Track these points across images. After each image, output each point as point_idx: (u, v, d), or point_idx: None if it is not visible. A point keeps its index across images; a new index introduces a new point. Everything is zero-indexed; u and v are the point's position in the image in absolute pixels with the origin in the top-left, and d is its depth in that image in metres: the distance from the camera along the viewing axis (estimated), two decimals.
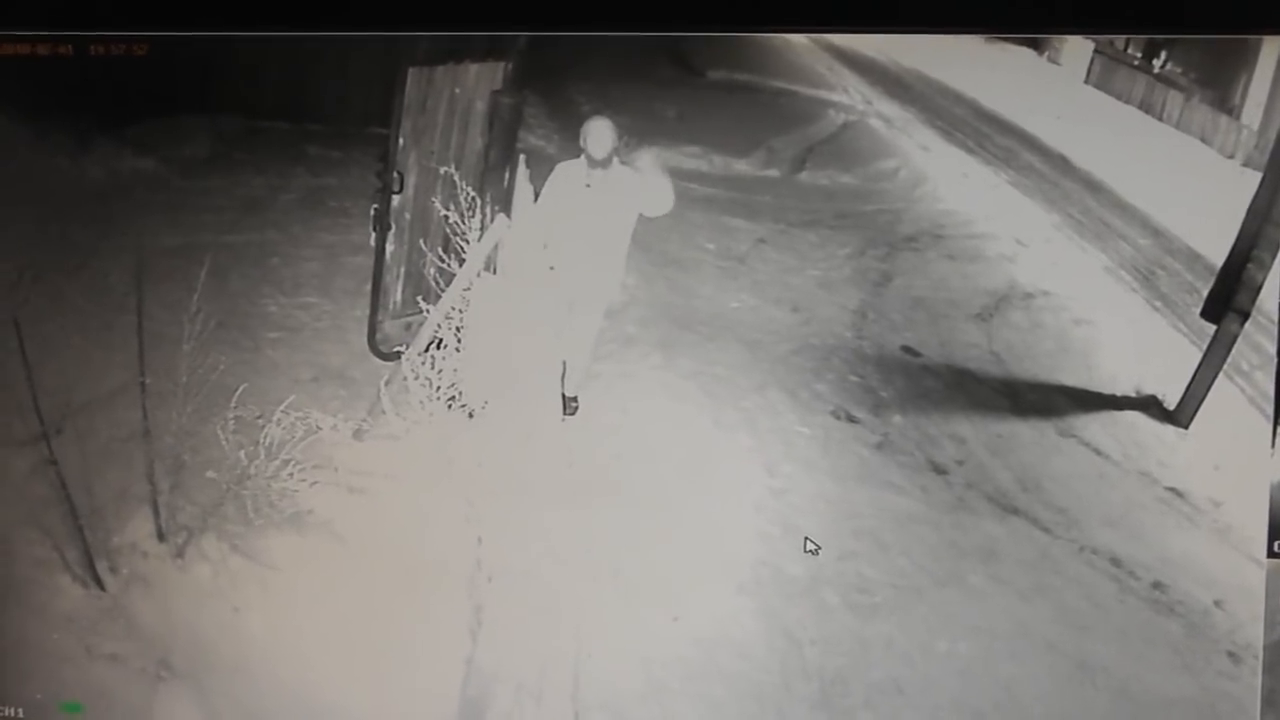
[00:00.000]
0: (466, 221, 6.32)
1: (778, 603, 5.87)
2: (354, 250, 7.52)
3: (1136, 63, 15.89)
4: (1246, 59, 9.67)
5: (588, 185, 6.62)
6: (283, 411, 5.61)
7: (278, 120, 9.52)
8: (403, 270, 6.91)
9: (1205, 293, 8.36)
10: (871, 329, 9.09)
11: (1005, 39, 17.80)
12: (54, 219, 7.97)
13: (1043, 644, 5.84)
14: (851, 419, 7.63)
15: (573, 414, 6.99)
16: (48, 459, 5.30)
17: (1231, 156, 11.62)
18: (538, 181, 6.89)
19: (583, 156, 6.61)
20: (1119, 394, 8.45)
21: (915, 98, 16.34)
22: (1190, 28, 5.88)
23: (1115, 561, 6.62)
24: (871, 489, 6.93)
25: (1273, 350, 6.21)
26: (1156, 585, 6.47)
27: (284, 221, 8.73)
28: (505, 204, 6.98)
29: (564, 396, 6.98)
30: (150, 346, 5.78)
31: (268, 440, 5.53)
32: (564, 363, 6.98)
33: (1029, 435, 7.78)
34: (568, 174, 6.69)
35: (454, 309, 6.32)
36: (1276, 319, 6.49)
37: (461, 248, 6.33)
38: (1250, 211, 7.25)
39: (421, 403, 6.32)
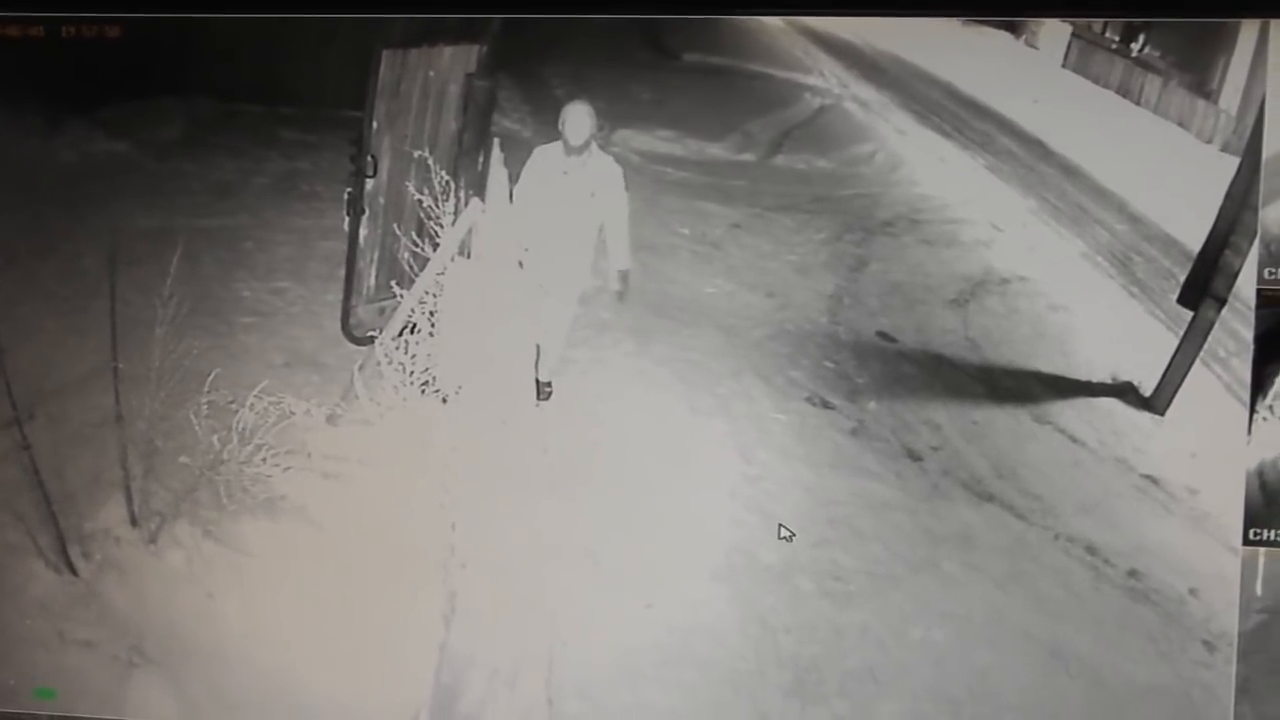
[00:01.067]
0: (440, 206, 6.32)
1: (752, 590, 5.91)
2: (327, 234, 7.52)
3: (1114, 46, 15.95)
4: (1225, 43, 9.71)
5: (565, 172, 6.64)
6: (256, 396, 5.62)
7: (251, 103, 9.51)
8: (376, 255, 6.92)
9: (1182, 279, 8.42)
10: (847, 314, 9.12)
11: (982, 22, 17.82)
12: (26, 202, 7.94)
13: (1018, 631, 5.89)
14: (826, 405, 7.67)
15: (546, 399, 7.01)
16: (20, 444, 5.30)
17: (1209, 141, 11.69)
18: (514, 165, 6.90)
19: (560, 141, 6.63)
20: (1095, 380, 8.50)
21: (891, 81, 16.37)
22: (1169, 11, 5.95)
23: (1091, 549, 6.67)
24: (846, 475, 6.97)
25: (1249, 337, 6.29)
26: (1132, 573, 6.52)
27: (257, 205, 8.71)
28: (479, 188, 6.99)
29: (538, 381, 7.01)
30: (123, 331, 5.78)
31: (241, 425, 5.54)
32: (538, 347, 7.00)
33: (1004, 422, 7.83)
34: (546, 158, 6.70)
35: (427, 293, 6.33)
36: (1253, 305, 6.56)
37: (435, 232, 6.34)
38: (1228, 197, 7.30)
39: (395, 388, 6.33)
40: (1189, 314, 7.93)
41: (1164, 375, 8.07)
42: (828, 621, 5.78)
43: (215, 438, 5.54)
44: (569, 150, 6.60)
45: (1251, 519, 5.87)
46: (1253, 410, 5.80)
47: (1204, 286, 7.86)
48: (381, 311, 6.91)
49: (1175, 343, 8.07)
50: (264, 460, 5.60)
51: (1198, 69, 12.62)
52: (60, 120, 9.40)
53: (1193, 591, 6.42)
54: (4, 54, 5.78)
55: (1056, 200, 12.48)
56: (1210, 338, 7.97)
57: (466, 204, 6.54)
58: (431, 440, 6.19)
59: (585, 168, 6.66)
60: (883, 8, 5.64)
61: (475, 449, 6.10)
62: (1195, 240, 8.45)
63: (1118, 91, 15.89)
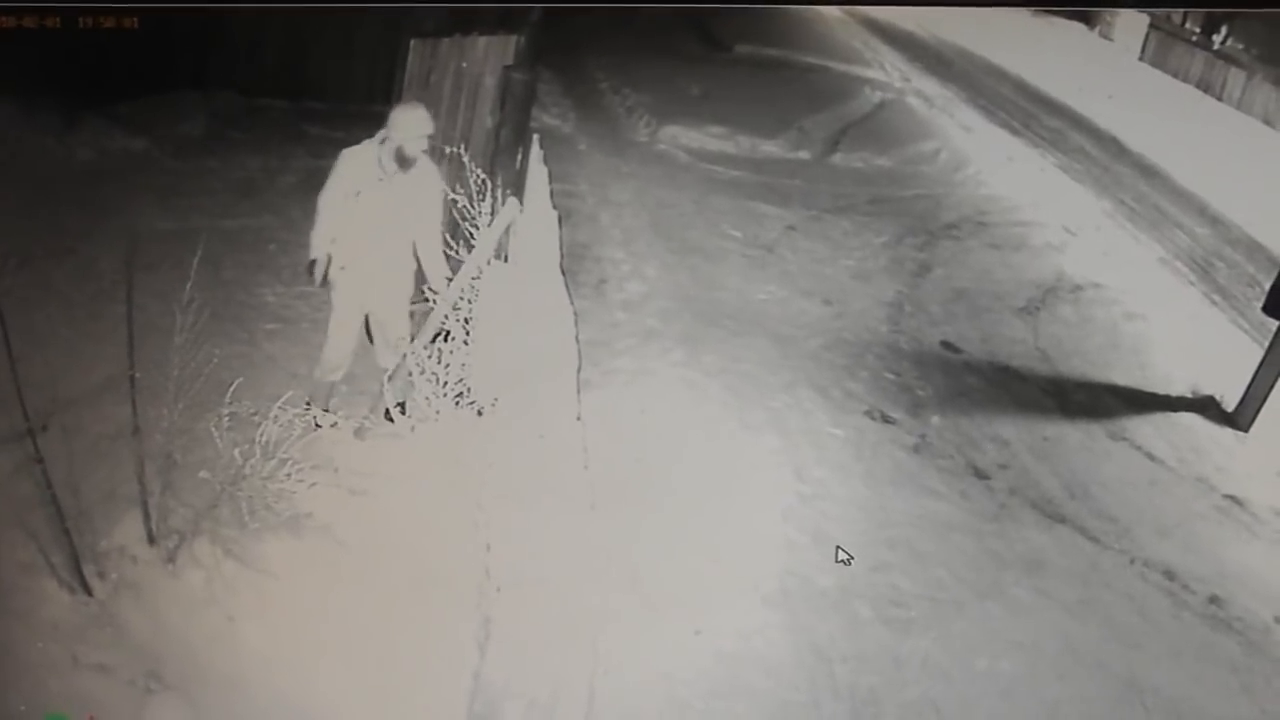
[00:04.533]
0: (476, 205, 6.30)
1: (807, 616, 5.88)
2: None
3: (1195, 38, 15.93)
4: None
5: (380, 179, 6.15)
6: (280, 408, 5.60)
7: (277, 98, 9.58)
8: None
9: (1267, 286, 8.38)
10: (909, 323, 9.12)
11: (1054, 12, 17.84)
12: (41, 202, 8.01)
13: (1091, 662, 5.84)
14: (887, 419, 7.65)
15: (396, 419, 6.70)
16: (33, 457, 5.27)
17: None
18: (555, 163, 6.82)
19: (376, 143, 6.13)
20: (1174, 394, 8.47)
21: (957, 75, 16.40)
22: (1253, 1, 5.90)
23: (1169, 574, 6.62)
24: (908, 494, 6.94)
25: None
26: (1213, 600, 6.48)
27: (282, 205, 8.75)
28: (518, 187, 6.98)
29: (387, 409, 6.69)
30: (140, 338, 5.77)
31: (264, 438, 5.52)
32: (580, 356, 6.95)
33: (1077, 438, 7.79)
34: (359, 163, 6.17)
35: (462, 298, 6.31)
36: None
37: (471, 233, 6.32)
38: None
39: (427, 399, 6.32)
40: (1275, 323, 7.87)
41: (1248, 389, 8.02)
42: (887, 650, 5.76)
43: (237, 451, 5.52)
44: (401, 160, 6.10)
45: None
46: None
47: None
48: (411, 316, 6.92)
49: (1260, 354, 8.02)
50: (288, 475, 5.57)
51: None
52: (77, 116, 9.50)
53: (1278, 620, 6.36)
54: (20, 46, 5.80)
55: (1133, 201, 12.44)
56: None
57: (504, 203, 6.52)
58: (466, 455, 6.19)
59: (410, 176, 6.17)
60: None
61: (512, 465, 6.09)
62: None
63: (1198, 86, 15.86)
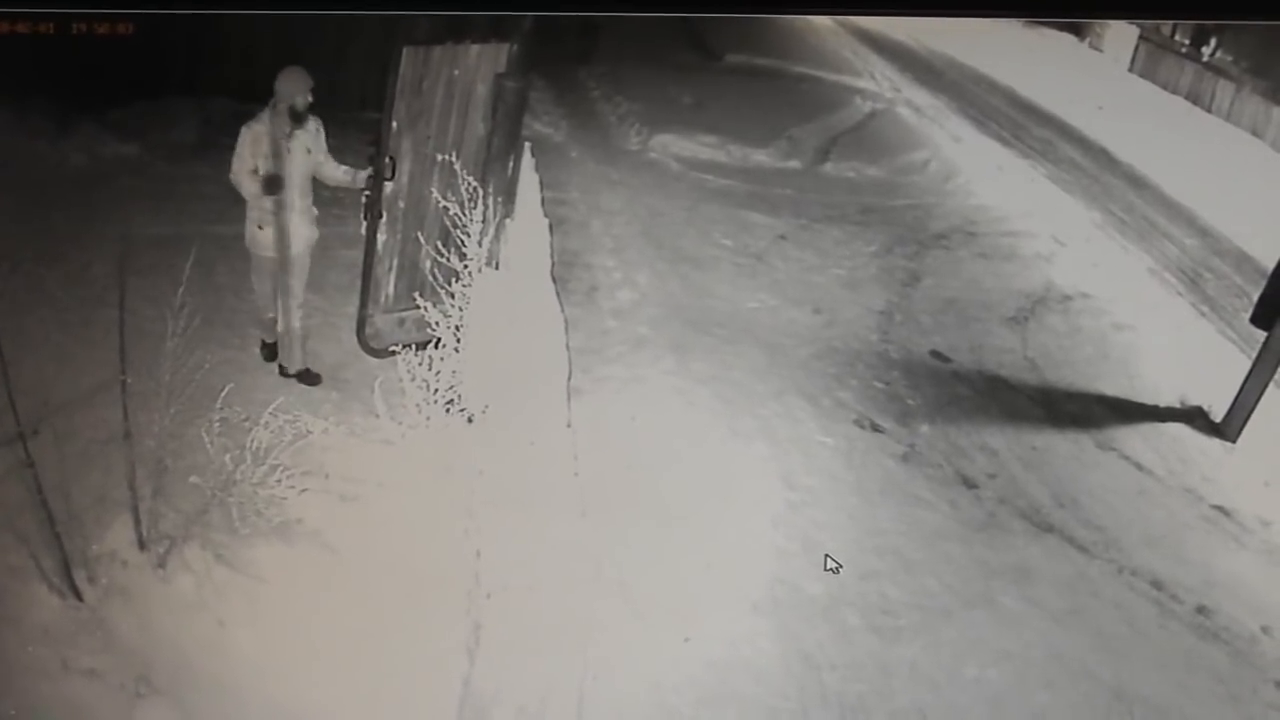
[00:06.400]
0: (468, 213, 6.30)
1: (796, 624, 5.88)
2: (348, 243, 7.54)
3: (1184, 50, 15.96)
4: None
5: (291, 150, 6.50)
6: (271, 413, 5.59)
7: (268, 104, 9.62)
8: (395, 262, 6.90)
9: (1255, 297, 8.38)
10: (898, 332, 9.12)
11: (1044, 23, 17.88)
12: (33, 207, 8.00)
13: (1078, 671, 5.85)
14: (876, 428, 7.66)
15: (314, 383, 6.92)
16: (24, 461, 5.28)
17: None
18: (545, 171, 6.84)
19: (269, 112, 6.45)
20: (1162, 405, 8.47)
21: (947, 85, 16.42)
22: (1243, 13, 5.90)
23: (1156, 583, 6.63)
24: (897, 503, 6.95)
25: None
26: (1200, 609, 6.49)
27: None
28: (509, 195, 6.98)
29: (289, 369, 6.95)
30: (132, 343, 5.77)
31: (255, 444, 5.51)
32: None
33: (1065, 448, 7.80)
34: (256, 135, 6.51)
35: (453, 306, 6.32)
36: None
37: (462, 241, 6.32)
38: None
39: (418, 405, 6.32)
40: (1262, 334, 7.88)
41: (1236, 400, 8.03)
42: (875, 658, 5.76)
43: (228, 457, 5.52)
44: (295, 118, 6.41)
45: None
46: None
47: (1279, 305, 7.81)
48: (401, 322, 6.91)
49: (1248, 365, 8.02)
50: (279, 481, 5.57)
51: (1273, 74, 12.57)
52: (69, 121, 9.51)
53: (1265, 629, 6.38)
54: (12, 51, 5.78)
55: (1122, 212, 12.46)
56: None
57: (496, 212, 6.53)
58: (456, 462, 6.19)
59: (305, 130, 6.50)
60: (939, 7, 5.57)
61: (502, 471, 6.09)
62: (1270, 256, 8.40)
63: (1187, 98, 15.89)
